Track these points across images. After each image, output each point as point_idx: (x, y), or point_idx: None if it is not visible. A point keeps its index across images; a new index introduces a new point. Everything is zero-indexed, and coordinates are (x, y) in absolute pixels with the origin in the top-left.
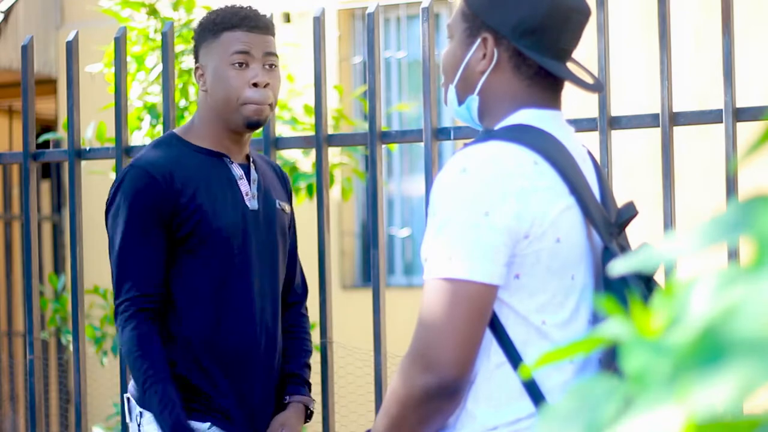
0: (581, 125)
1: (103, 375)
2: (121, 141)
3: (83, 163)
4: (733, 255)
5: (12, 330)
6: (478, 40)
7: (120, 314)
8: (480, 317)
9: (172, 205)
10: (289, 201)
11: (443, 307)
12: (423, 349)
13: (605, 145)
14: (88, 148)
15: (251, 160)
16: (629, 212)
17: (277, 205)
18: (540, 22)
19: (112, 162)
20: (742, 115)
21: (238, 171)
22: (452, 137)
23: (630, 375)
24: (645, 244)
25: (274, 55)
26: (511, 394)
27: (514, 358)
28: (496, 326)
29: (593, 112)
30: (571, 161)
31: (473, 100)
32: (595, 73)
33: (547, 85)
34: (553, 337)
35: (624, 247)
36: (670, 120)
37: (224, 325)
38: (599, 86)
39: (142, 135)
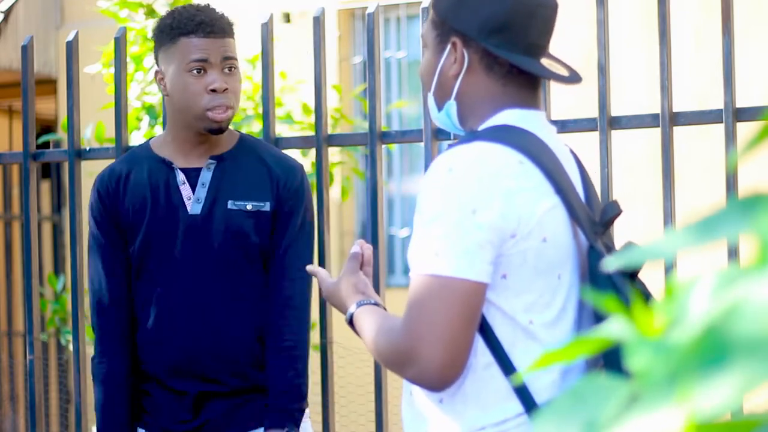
0: (581, 125)
1: None
2: (120, 141)
3: (83, 163)
4: (733, 254)
5: (12, 330)
6: (449, 46)
7: (94, 362)
8: (469, 315)
9: (115, 216)
10: (277, 200)
11: (431, 303)
12: (409, 346)
13: (605, 145)
14: (88, 148)
15: (220, 159)
16: (613, 211)
17: (233, 206)
18: (505, 19)
19: (110, 162)
20: (742, 115)
21: (180, 176)
22: (452, 137)
23: (636, 374)
24: (630, 243)
25: (233, 58)
26: (499, 394)
27: (501, 358)
28: (484, 326)
29: (593, 112)
30: (555, 161)
31: (451, 106)
32: (596, 75)
33: (523, 83)
34: (540, 337)
35: (609, 246)
36: (670, 120)
37: (164, 332)
38: (576, 78)
39: (141, 135)
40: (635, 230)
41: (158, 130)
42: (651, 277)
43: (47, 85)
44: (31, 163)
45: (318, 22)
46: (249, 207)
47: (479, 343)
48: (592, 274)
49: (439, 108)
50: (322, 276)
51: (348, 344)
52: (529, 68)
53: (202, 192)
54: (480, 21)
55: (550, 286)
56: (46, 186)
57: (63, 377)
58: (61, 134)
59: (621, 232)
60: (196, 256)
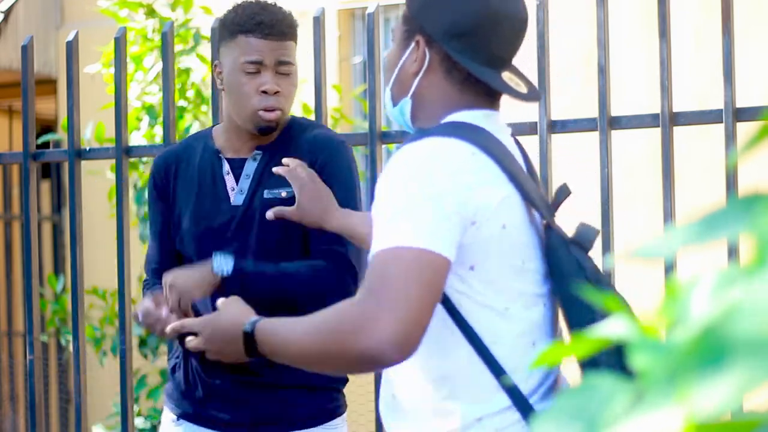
0: (581, 125)
1: (103, 375)
2: (120, 141)
3: (83, 163)
4: (733, 254)
5: (12, 330)
6: (413, 43)
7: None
8: (430, 285)
9: (167, 200)
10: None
11: (395, 270)
12: (368, 314)
13: (605, 145)
14: (88, 148)
15: (266, 149)
16: (564, 194)
17: (269, 195)
18: (470, 26)
19: (111, 162)
20: (742, 115)
21: (226, 167)
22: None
23: (638, 374)
24: (582, 223)
25: (289, 63)
26: (487, 386)
27: (482, 350)
28: (461, 321)
29: (593, 112)
30: (505, 152)
31: (406, 103)
32: (596, 75)
33: (480, 90)
34: (517, 323)
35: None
36: (670, 120)
37: None
38: (534, 96)
39: (141, 135)
40: (635, 230)
41: (158, 130)
42: (650, 277)
43: (47, 85)
44: (31, 163)
45: (318, 22)
46: (284, 194)
47: (461, 338)
48: (551, 253)
49: (395, 103)
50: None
51: None
52: (486, 79)
53: (245, 183)
54: (445, 24)
55: (516, 271)
56: (46, 186)
57: (63, 377)
58: (61, 134)
59: (621, 232)
60: (238, 248)
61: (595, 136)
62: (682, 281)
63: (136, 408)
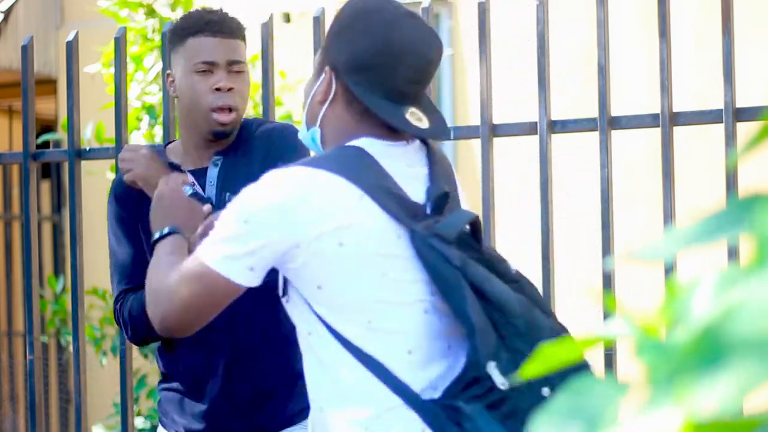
0: (581, 125)
1: (103, 375)
2: (121, 141)
3: (83, 163)
4: (733, 254)
5: (12, 330)
6: (323, 74)
7: (117, 308)
8: (212, 303)
9: (135, 220)
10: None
11: (193, 279)
12: (159, 298)
13: (605, 145)
14: (88, 148)
15: (225, 153)
16: (443, 198)
17: (230, 200)
18: (370, 60)
19: (111, 162)
20: (742, 115)
21: (189, 179)
22: (452, 137)
23: (646, 372)
24: (454, 212)
25: (240, 61)
26: (369, 389)
27: (360, 357)
28: (335, 334)
29: (593, 112)
30: (379, 175)
31: (315, 131)
32: (596, 75)
33: (377, 122)
34: (385, 333)
35: (442, 234)
36: (670, 120)
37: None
38: (439, 133)
39: (141, 135)
40: (635, 230)
41: (158, 130)
42: (651, 277)
43: (47, 85)
44: (31, 163)
45: (318, 22)
46: None
47: (339, 350)
48: (420, 258)
49: (307, 129)
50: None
51: None
52: (380, 113)
53: (211, 190)
54: (347, 57)
55: (376, 284)
56: (46, 186)
57: (63, 377)
58: (61, 134)
59: (621, 232)
60: None
61: (595, 136)
62: (683, 282)
63: (136, 408)
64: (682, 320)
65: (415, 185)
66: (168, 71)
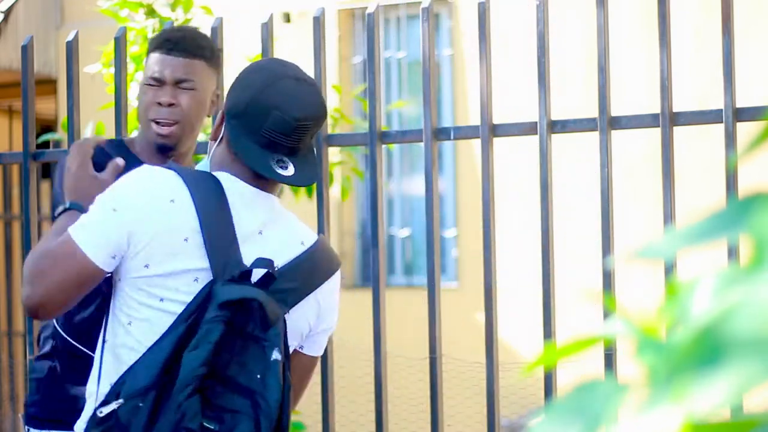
0: (581, 125)
1: None
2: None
3: None
4: (733, 254)
5: (12, 330)
6: (219, 115)
7: None
8: (77, 281)
9: None
10: None
11: (57, 256)
12: (31, 276)
13: (605, 145)
14: None
15: None
16: (262, 264)
17: None
18: (243, 109)
19: None
20: (742, 115)
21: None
22: (452, 137)
23: (646, 372)
24: (260, 260)
25: (189, 80)
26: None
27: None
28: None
29: (593, 112)
30: (220, 209)
31: (207, 163)
32: (596, 75)
33: (246, 166)
34: (134, 340)
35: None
36: (670, 120)
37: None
38: (301, 181)
39: None
40: (635, 230)
41: None
42: (651, 277)
43: (47, 85)
44: (31, 163)
45: (318, 22)
46: None
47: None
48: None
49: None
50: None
51: (348, 344)
52: (243, 155)
53: None
54: (230, 104)
55: (149, 304)
56: (46, 186)
57: None
58: (61, 134)
59: (621, 232)
60: None
61: (595, 136)
62: (683, 281)
63: None
64: (682, 320)
65: (269, 230)
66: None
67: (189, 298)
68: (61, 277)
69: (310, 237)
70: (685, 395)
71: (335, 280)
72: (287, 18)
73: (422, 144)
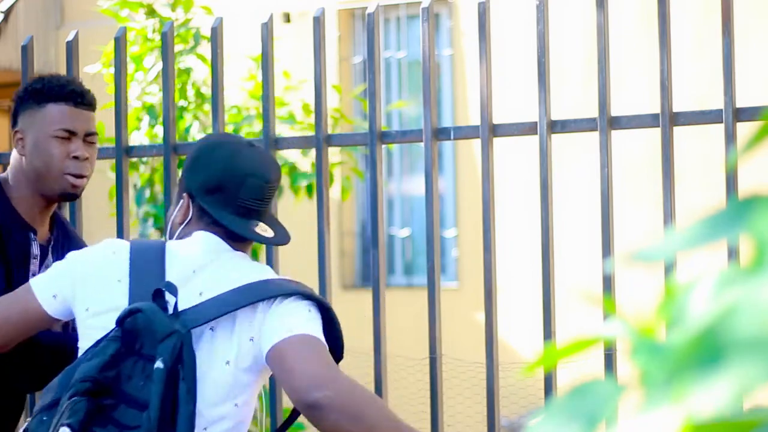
0: (581, 125)
1: None
2: (120, 141)
3: None
4: (733, 254)
5: None
6: (182, 200)
7: None
8: (18, 320)
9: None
10: None
11: (11, 295)
12: None
13: (605, 145)
14: None
15: (53, 235)
16: (165, 287)
17: None
18: (217, 183)
19: (111, 162)
20: (742, 115)
21: (35, 250)
22: (452, 137)
23: (640, 374)
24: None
25: (95, 133)
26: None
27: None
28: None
29: (593, 112)
30: (152, 257)
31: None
32: (596, 75)
33: (227, 232)
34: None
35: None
36: (670, 120)
37: None
38: (281, 241)
39: (142, 135)
40: (635, 230)
41: (158, 129)
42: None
43: None
44: None
45: (318, 22)
46: None
47: None
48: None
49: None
50: None
51: (348, 344)
52: (229, 225)
53: (42, 270)
54: (199, 182)
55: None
56: None
57: None
58: None
59: (621, 231)
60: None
61: (595, 136)
62: (681, 282)
63: None
64: (680, 321)
65: (205, 273)
66: (17, 128)
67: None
68: (8, 312)
69: (259, 276)
70: (684, 396)
71: (285, 303)
72: (287, 18)
73: (422, 144)
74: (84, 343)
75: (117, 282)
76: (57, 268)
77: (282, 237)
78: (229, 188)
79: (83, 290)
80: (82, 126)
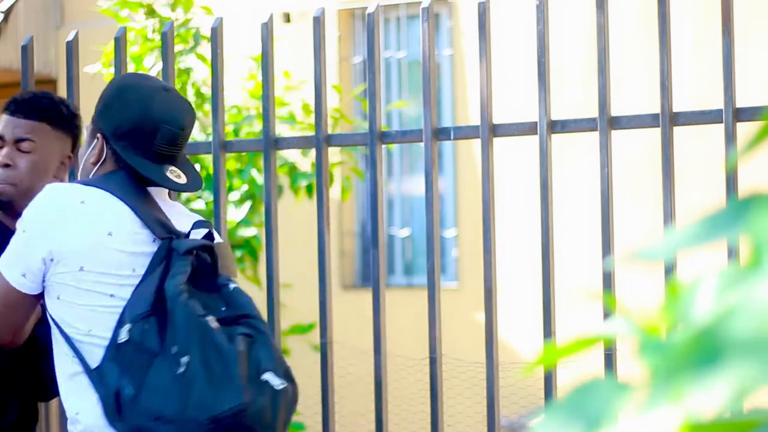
0: (581, 125)
1: None
2: None
3: None
4: (733, 254)
5: None
6: (95, 140)
7: None
8: (3, 303)
9: None
10: None
11: None
12: None
13: (605, 145)
14: None
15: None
16: (201, 226)
17: None
18: (131, 128)
19: None
20: (742, 115)
21: None
22: (452, 137)
23: (648, 373)
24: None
25: (28, 141)
26: (88, 397)
27: (84, 365)
28: (67, 340)
29: (593, 112)
30: (143, 200)
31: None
32: (596, 75)
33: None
34: (101, 343)
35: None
36: (670, 120)
37: None
38: (193, 187)
39: None
40: (636, 230)
41: None
42: (651, 276)
43: (47, 85)
44: None
45: (318, 22)
46: None
47: (68, 356)
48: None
49: None
50: None
51: (348, 344)
52: (142, 170)
53: None
54: (114, 126)
55: (101, 303)
56: None
57: None
58: None
59: (621, 231)
60: None
61: (595, 136)
62: (683, 282)
63: None
64: (683, 320)
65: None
66: None
67: (130, 286)
68: None
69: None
70: (685, 395)
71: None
72: (287, 18)
73: (422, 144)
74: (89, 301)
75: (108, 236)
76: (16, 241)
77: (193, 182)
78: (143, 134)
79: (66, 252)
80: (10, 132)
